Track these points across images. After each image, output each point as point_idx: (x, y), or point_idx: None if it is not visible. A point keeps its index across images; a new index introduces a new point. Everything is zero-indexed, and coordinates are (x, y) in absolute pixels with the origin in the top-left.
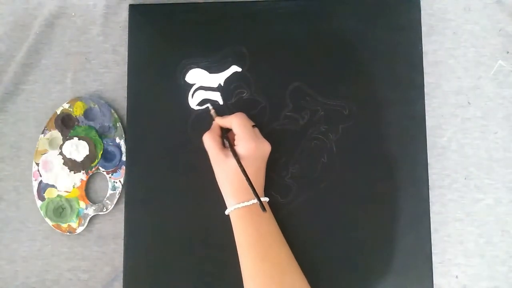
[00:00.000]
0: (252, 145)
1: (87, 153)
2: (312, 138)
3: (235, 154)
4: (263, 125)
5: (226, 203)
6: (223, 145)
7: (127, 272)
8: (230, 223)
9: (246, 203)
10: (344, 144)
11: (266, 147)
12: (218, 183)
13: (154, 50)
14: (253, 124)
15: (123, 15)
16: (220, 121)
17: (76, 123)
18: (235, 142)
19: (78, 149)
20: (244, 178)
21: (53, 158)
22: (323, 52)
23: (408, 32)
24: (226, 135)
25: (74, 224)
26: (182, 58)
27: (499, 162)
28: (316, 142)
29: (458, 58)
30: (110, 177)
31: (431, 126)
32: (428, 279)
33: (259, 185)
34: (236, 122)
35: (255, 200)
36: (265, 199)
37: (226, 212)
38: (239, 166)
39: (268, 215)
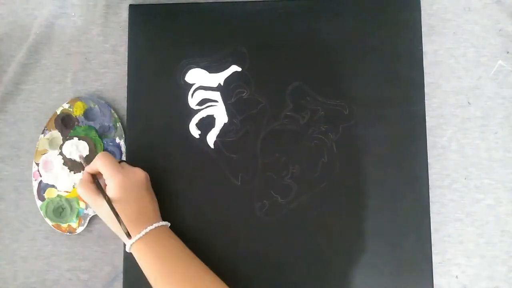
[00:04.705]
0: (119, 178)
1: (87, 153)
2: (312, 138)
3: (104, 195)
4: (263, 125)
5: (125, 242)
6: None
7: (127, 272)
8: (230, 222)
9: (138, 236)
10: (344, 144)
11: (138, 174)
12: (109, 226)
13: (154, 50)
14: (119, 160)
15: (123, 15)
16: (88, 168)
17: (76, 123)
18: (106, 182)
19: (78, 149)
20: (129, 211)
21: (53, 158)
22: (323, 52)
23: (408, 32)
24: (96, 180)
25: (74, 224)
26: (182, 58)
27: (499, 162)
28: (316, 142)
29: (458, 58)
30: None
31: (431, 126)
32: (428, 279)
33: (150, 211)
34: (100, 163)
35: (148, 229)
36: (165, 223)
37: (127, 250)
38: (109, 205)
39: (168, 240)
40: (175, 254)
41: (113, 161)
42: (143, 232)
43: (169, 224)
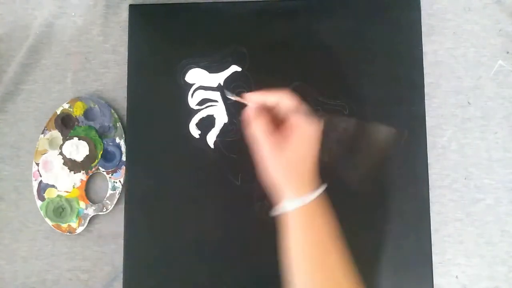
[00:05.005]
0: (314, 126)
1: (87, 153)
2: None
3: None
4: None
5: (278, 198)
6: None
7: (127, 272)
8: (230, 222)
9: (307, 198)
10: (344, 144)
11: (319, 126)
12: (270, 177)
13: (154, 50)
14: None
15: (123, 15)
16: (263, 101)
17: (76, 123)
18: (294, 123)
19: (78, 149)
20: (305, 164)
21: (53, 158)
22: (323, 52)
23: (408, 32)
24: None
25: (74, 224)
26: (182, 58)
27: (499, 162)
28: None
29: (458, 58)
30: (110, 177)
31: (431, 126)
32: (428, 279)
33: (314, 171)
34: (293, 102)
35: (316, 193)
36: (323, 188)
37: (281, 211)
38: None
39: (328, 215)
40: (330, 235)
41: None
42: (313, 195)
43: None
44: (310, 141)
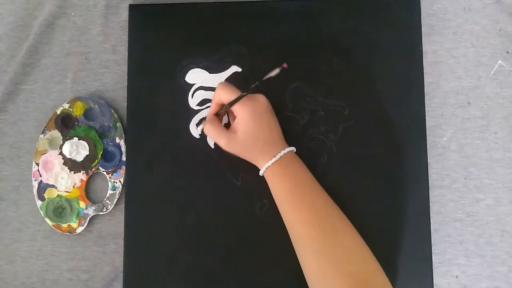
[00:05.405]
0: (248, 105)
1: (87, 153)
2: (312, 138)
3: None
4: None
5: (259, 167)
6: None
7: (127, 272)
8: (231, 222)
9: (274, 159)
10: (344, 144)
11: (261, 99)
12: (244, 158)
13: (154, 50)
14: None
15: (123, 15)
16: (213, 103)
17: (76, 123)
18: (235, 112)
19: (78, 149)
20: (263, 136)
21: (53, 158)
22: (323, 52)
23: (408, 32)
24: (224, 106)
25: (74, 224)
26: (182, 58)
27: (499, 162)
28: (316, 142)
29: (458, 58)
30: (110, 177)
31: (431, 126)
32: (428, 279)
33: (278, 135)
34: (222, 93)
35: (281, 153)
36: (291, 149)
37: (260, 174)
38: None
39: (299, 165)
40: (304, 180)
41: (235, 89)
42: (278, 156)
43: (295, 149)
44: (253, 120)
